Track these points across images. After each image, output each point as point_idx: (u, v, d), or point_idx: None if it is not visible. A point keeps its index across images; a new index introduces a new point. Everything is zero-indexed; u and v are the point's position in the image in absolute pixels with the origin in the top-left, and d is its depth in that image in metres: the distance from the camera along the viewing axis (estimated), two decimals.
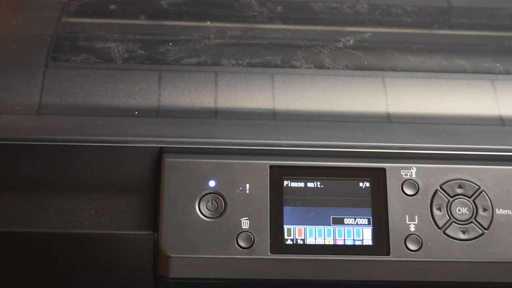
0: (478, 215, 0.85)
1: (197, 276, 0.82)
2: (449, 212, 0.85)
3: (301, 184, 0.85)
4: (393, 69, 0.95)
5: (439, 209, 0.85)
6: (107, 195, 0.85)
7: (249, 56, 0.94)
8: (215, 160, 0.84)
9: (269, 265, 0.82)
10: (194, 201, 0.83)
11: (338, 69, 0.94)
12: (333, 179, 0.85)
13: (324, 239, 0.84)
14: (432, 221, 0.84)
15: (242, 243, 0.82)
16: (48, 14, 1.01)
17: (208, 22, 1.01)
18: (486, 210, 0.85)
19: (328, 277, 0.83)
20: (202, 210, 0.83)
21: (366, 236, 0.84)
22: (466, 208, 0.85)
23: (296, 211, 0.84)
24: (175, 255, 0.82)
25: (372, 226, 0.84)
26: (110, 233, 0.85)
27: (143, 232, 0.85)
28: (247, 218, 0.83)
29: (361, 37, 1.00)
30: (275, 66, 0.94)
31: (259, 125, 0.88)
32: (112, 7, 1.04)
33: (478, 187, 0.86)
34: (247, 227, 0.83)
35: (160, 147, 0.85)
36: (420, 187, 0.85)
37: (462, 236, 0.84)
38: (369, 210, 0.85)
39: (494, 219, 0.85)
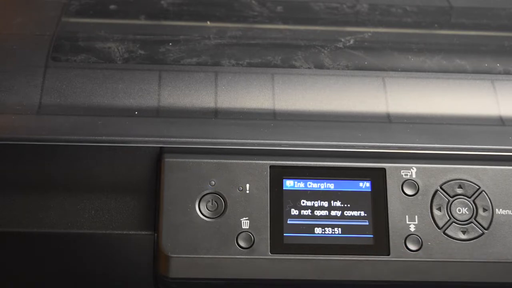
0: (478, 215, 0.85)
1: (197, 276, 0.82)
2: (449, 212, 0.85)
3: (301, 184, 0.85)
4: (393, 69, 0.95)
5: (439, 209, 0.85)
6: (107, 195, 0.85)
7: (249, 56, 0.94)
8: (215, 160, 0.84)
9: (269, 265, 0.82)
10: (194, 201, 0.83)
11: (338, 69, 0.94)
12: (333, 179, 0.85)
13: (324, 239, 0.84)
14: (432, 221, 0.84)
15: (242, 243, 0.83)
16: (48, 14, 1.01)
17: (208, 22, 1.01)
18: (486, 210, 0.85)
19: (328, 277, 0.83)
20: (202, 210, 0.83)
21: (366, 236, 0.84)
22: (466, 208, 0.85)
23: (296, 211, 0.84)
24: (175, 255, 0.82)
25: (372, 226, 0.84)
26: (110, 233, 0.85)
27: (143, 232, 0.85)
28: (247, 218, 0.83)
29: (361, 37, 1.00)
30: (275, 66, 0.94)
31: (259, 125, 0.88)
32: (112, 7, 1.04)
33: (478, 187, 0.86)
34: (247, 227, 0.83)
35: (160, 147, 0.85)
36: (420, 187, 0.85)
37: (462, 236, 0.84)
38: (369, 210, 0.85)
39: (494, 219, 0.85)
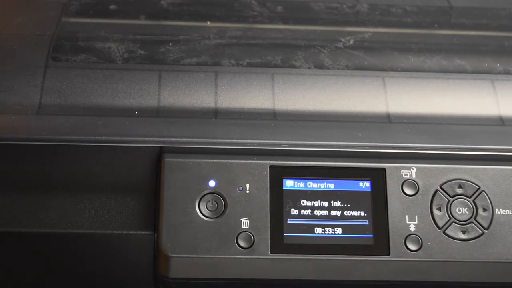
0: (478, 215, 0.85)
1: (197, 276, 0.82)
2: (449, 212, 0.85)
3: (301, 184, 0.85)
4: (393, 69, 0.95)
5: (439, 209, 0.85)
6: (107, 195, 0.85)
7: (249, 56, 0.94)
8: (215, 160, 0.84)
9: (269, 265, 0.82)
10: (194, 201, 0.83)
11: (338, 69, 0.94)
12: (333, 179, 0.85)
13: (324, 239, 0.84)
14: (432, 221, 0.84)
15: (242, 243, 0.83)
16: (48, 14, 1.01)
17: (208, 22, 1.01)
18: (486, 210, 0.85)
19: (328, 277, 0.83)
20: (202, 210, 0.83)
21: (366, 236, 0.84)
22: (466, 208, 0.85)
23: (296, 211, 0.84)
24: (175, 255, 0.82)
25: (372, 226, 0.84)
26: (110, 233, 0.85)
27: (143, 232, 0.85)
28: (247, 218, 0.83)
29: (361, 37, 1.00)
30: (275, 66, 0.94)
31: (259, 125, 0.88)
32: (112, 7, 1.04)
33: (478, 187, 0.86)
34: (247, 227, 0.83)
35: (160, 147, 0.85)
36: (420, 187, 0.85)
37: (462, 236, 0.84)
38: (369, 210, 0.85)
39: (494, 219, 0.85)
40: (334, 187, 0.85)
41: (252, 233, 0.83)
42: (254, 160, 0.85)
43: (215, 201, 0.83)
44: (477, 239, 0.84)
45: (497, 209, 0.85)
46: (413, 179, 0.85)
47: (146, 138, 0.85)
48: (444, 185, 0.85)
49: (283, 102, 0.90)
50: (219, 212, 0.83)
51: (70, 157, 0.85)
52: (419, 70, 0.95)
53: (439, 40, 1.03)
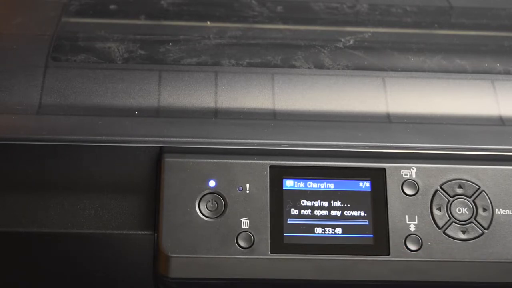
0: (478, 215, 0.85)
1: (197, 276, 0.82)
2: (449, 212, 0.85)
3: (301, 184, 0.85)
4: (393, 69, 0.95)
5: (439, 209, 0.85)
6: (107, 195, 0.85)
7: (249, 56, 0.95)
8: (215, 160, 0.84)
9: (269, 265, 0.82)
10: (194, 201, 0.83)
11: (338, 69, 0.94)
12: (333, 179, 0.85)
13: (324, 239, 0.84)
14: (432, 221, 0.84)
15: (242, 243, 0.83)
16: (48, 14, 1.01)
17: (208, 22, 1.01)
18: (486, 210, 0.85)
19: (328, 277, 0.83)
20: (202, 210, 0.83)
21: (366, 236, 0.84)
22: (466, 208, 0.85)
23: (296, 211, 0.84)
24: (175, 255, 0.82)
25: (372, 226, 0.84)
26: (110, 233, 0.85)
27: (143, 232, 0.85)
28: (247, 218, 0.83)
29: (361, 37, 1.00)
30: (275, 66, 0.94)
31: (259, 125, 0.88)
32: (112, 7, 1.04)
33: (478, 187, 0.86)
34: (247, 227, 0.83)
35: (160, 147, 0.85)
36: (420, 187, 0.85)
37: (462, 236, 0.84)
38: (369, 210, 0.85)
39: (494, 219, 0.85)
40: (334, 187, 0.85)
41: (252, 233, 0.83)
42: (254, 160, 0.85)
43: (215, 201, 0.83)
44: (477, 239, 0.84)
45: (497, 209, 0.85)
46: (413, 179, 0.85)
47: (146, 138, 0.85)
48: (444, 185, 0.85)
49: (283, 102, 0.90)
50: (219, 212, 0.83)
51: (70, 157, 0.85)
52: (419, 70, 0.95)
53: (439, 40, 1.03)
